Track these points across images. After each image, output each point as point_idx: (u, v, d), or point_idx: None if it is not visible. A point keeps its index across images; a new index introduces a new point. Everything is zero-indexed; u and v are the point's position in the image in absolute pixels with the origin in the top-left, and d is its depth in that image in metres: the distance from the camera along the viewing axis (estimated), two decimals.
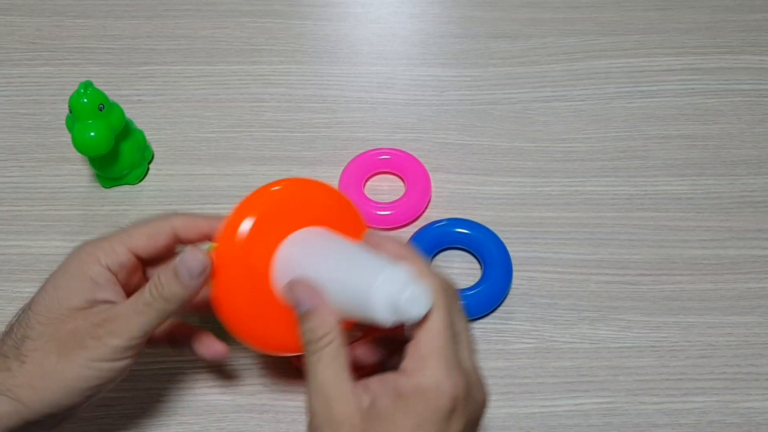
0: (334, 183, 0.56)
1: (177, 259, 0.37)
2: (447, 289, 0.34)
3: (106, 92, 0.52)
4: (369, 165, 0.57)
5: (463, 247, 0.53)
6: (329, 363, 0.33)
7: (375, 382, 0.33)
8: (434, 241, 0.52)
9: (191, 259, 0.36)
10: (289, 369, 0.48)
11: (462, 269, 0.53)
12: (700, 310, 0.51)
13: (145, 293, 0.37)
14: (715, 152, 0.59)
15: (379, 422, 0.31)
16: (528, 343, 0.49)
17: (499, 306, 0.50)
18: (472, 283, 0.50)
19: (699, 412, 0.46)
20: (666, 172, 0.58)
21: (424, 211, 0.55)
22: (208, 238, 0.40)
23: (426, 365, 0.31)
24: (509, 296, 0.51)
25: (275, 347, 0.40)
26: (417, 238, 0.52)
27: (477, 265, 0.53)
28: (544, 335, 0.50)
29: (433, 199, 0.56)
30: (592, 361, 0.49)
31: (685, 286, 0.52)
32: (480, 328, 0.50)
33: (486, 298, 0.49)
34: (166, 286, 0.37)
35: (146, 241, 0.40)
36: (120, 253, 0.39)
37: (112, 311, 0.37)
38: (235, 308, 0.38)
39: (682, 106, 0.62)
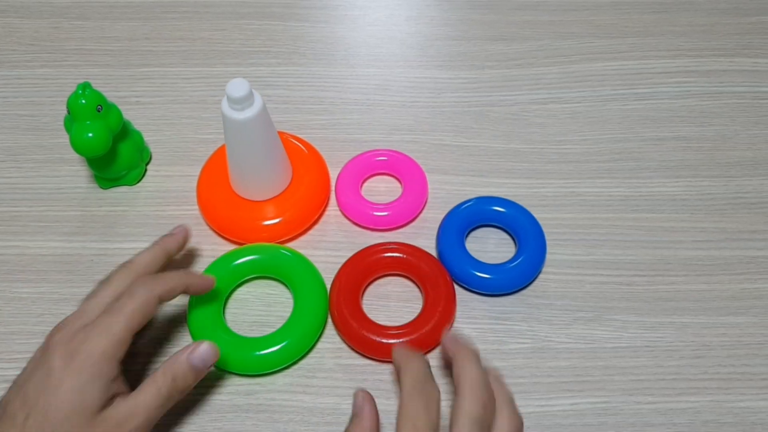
0: (332, 184, 0.57)
1: (190, 354, 0.41)
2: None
3: (105, 93, 0.52)
4: (366, 166, 0.57)
5: (494, 224, 0.54)
6: None
7: None
8: (467, 221, 0.53)
9: (206, 351, 0.42)
10: (287, 370, 0.48)
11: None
12: (694, 310, 0.51)
13: (162, 388, 0.40)
14: (710, 154, 0.59)
15: None
16: (524, 343, 0.50)
17: (534, 279, 0.52)
18: (507, 258, 0.52)
19: (693, 412, 0.47)
20: (661, 173, 0.58)
21: (420, 212, 0.55)
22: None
23: None
24: (505, 296, 0.51)
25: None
26: (448, 222, 0.53)
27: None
28: (540, 335, 0.50)
29: (429, 200, 0.56)
30: (587, 361, 0.49)
31: (679, 286, 0.52)
32: (476, 328, 0.50)
33: (525, 270, 0.51)
34: (182, 379, 0.41)
35: (145, 319, 0.42)
36: (128, 341, 0.41)
37: (131, 409, 0.39)
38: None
39: (677, 108, 0.62)
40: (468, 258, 0.51)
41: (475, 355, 0.41)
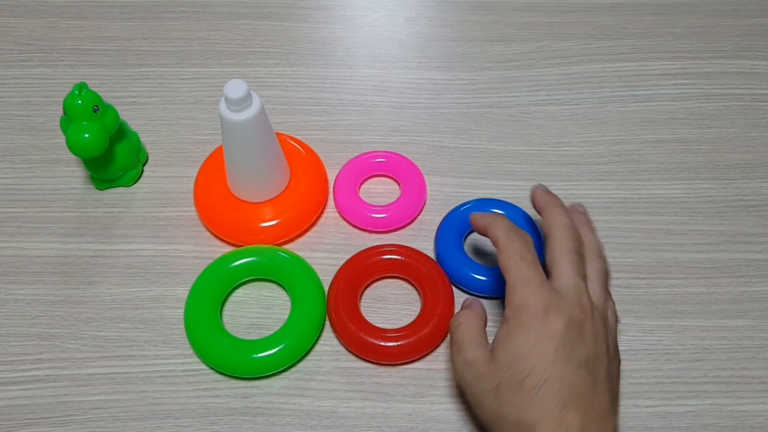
0: (330, 185, 0.56)
1: None
2: (514, 238, 0.42)
3: (101, 94, 0.52)
4: (364, 168, 0.57)
5: None
6: (463, 331, 0.43)
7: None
8: (465, 222, 0.53)
9: None
10: (284, 373, 0.48)
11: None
12: (693, 313, 0.51)
13: None
14: (709, 156, 0.59)
15: (503, 347, 0.39)
16: None
17: None
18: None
19: (692, 416, 0.46)
20: (660, 176, 0.58)
21: (419, 214, 0.55)
22: None
23: (512, 294, 0.40)
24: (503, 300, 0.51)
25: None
26: (446, 224, 0.53)
27: None
28: None
29: (428, 202, 0.56)
30: None
31: (678, 289, 0.52)
32: None
33: None
34: None
35: None
36: None
37: None
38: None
39: (676, 110, 0.62)
40: (466, 260, 0.51)
41: (564, 206, 0.45)
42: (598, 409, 0.38)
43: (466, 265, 0.51)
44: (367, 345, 0.47)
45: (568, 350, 0.38)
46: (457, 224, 0.53)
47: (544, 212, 0.45)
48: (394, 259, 0.50)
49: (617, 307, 0.44)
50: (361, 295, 0.51)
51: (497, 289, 0.50)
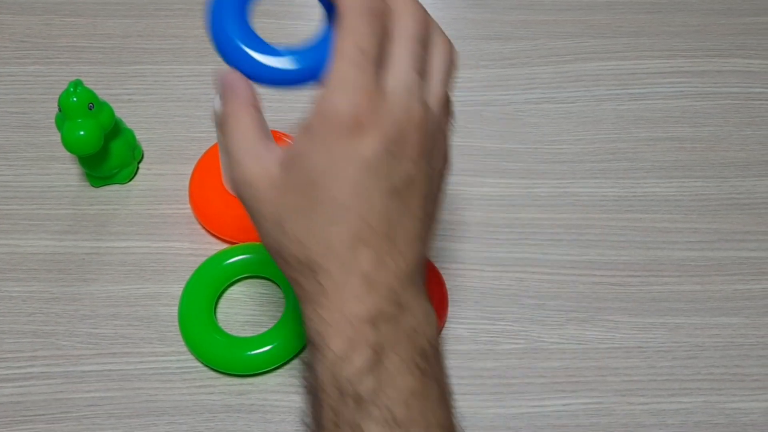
0: None
1: None
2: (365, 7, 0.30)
3: (96, 91, 0.51)
4: None
5: None
6: (233, 133, 0.32)
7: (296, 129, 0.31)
8: None
9: None
10: (279, 370, 0.48)
11: None
12: (687, 311, 0.51)
13: None
14: (704, 154, 0.59)
15: (294, 165, 0.30)
16: (516, 343, 0.50)
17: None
18: None
19: (686, 413, 0.47)
20: (654, 174, 0.58)
21: None
22: None
23: (324, 91, 0.29)
24: (498, 297, 0.51)
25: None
26: None
27: None
28: (533, 336, 0.50)
29: None
30: (580, 362, 0.49)
31: (672, 287, 0.52)
32: (469, 328, 0.50)
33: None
34: None
35: None
36: None
37: None
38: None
39: (671, 108, 0.62)
40: (251, 38, 0.33)
41: None
42: (402, 239, 0.31)
43: (253, 44, 0.32)
44: None
45: (377, 174, 0.29)
46: None
47: None
48: None
49: None
50: None
51: (304, 75, 0.32)
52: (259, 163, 0.31)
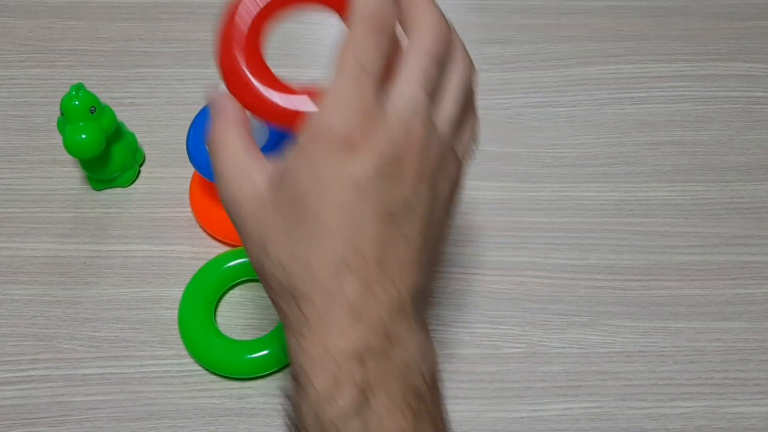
0: None
1: None
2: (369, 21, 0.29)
3: (98, 94, 0.52)
4: None
5: None
6: (220, 153, 0.31)
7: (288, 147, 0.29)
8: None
9: None
10: (279, 373, 0.48)
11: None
12: (688, 315, 0.51)
13: None
14: (705, 159, 0.59)
15: (283, 182, 0.28)
16: (517, 347, 0.50)
17: None
18: None
19: (686, 417, 0.47)
20: (656, 178, 0.58)
21: None
22: None
23: (319, 107, 0.28)
24: (499, 300, 0.51)
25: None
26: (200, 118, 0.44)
27: None
28: (534, 340, 0.50)
29: None
30: (580, 366, 0.49)
31: (673, 291, 0.52)
32: (470, 332, 0.50)
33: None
34: None
35: None
36: None
37: None
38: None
39: (672, 112, 0.62)
40: None
41: None
42: (395, 266, 0.28)
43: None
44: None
45: (367, 196, 0.27)
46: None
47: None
48: None
49: None
50: None
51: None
52: (248, 180, 0.30)
